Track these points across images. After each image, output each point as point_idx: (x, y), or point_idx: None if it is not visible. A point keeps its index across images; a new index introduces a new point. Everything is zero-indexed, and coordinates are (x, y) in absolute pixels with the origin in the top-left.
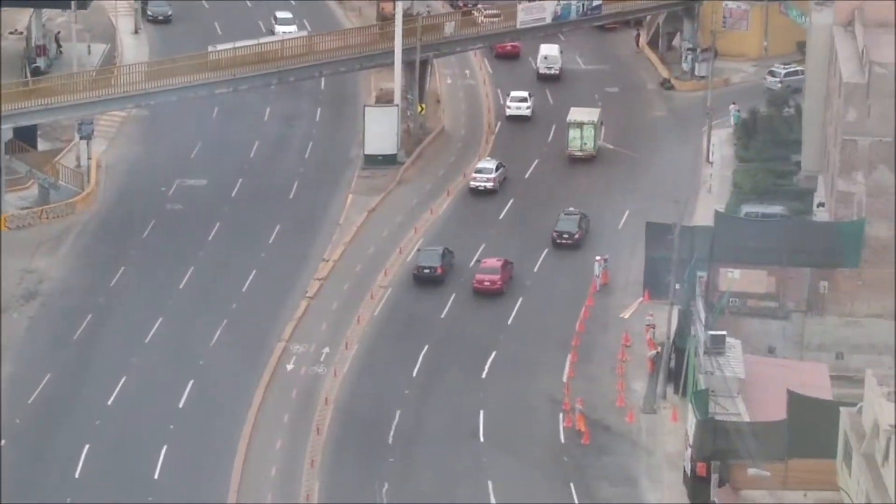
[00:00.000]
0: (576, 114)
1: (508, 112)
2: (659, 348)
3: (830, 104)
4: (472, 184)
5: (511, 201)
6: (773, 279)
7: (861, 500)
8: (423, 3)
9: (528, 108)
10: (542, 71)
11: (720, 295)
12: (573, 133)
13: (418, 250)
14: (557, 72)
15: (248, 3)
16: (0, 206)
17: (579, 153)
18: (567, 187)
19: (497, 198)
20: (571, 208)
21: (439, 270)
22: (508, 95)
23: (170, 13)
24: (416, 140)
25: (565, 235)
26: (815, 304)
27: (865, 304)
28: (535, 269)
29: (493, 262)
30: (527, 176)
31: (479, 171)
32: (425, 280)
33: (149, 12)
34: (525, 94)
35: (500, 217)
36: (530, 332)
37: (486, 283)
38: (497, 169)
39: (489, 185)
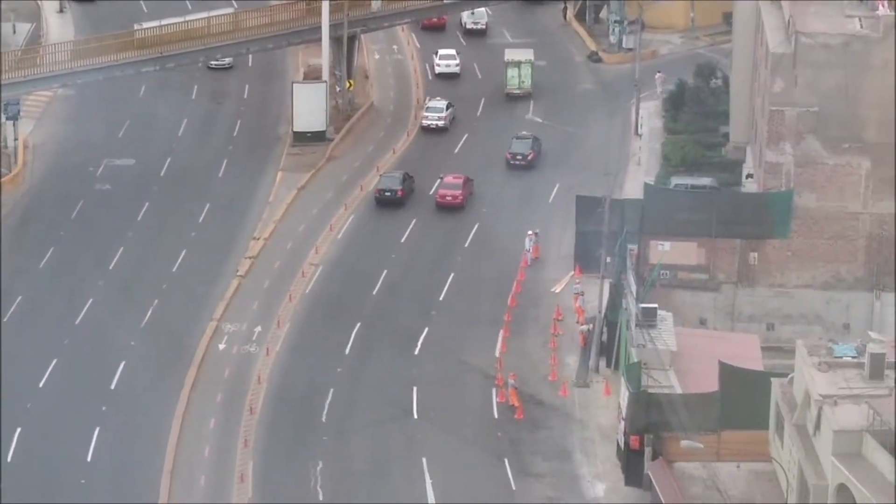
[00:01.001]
0: (512, 54)
1: (438, 70)
2: (590, 325)
3: (757, 75)
4: (424, 122)
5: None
6: (704, 251)
7: (793, 471)
8: None
9: (456, 65)
10: (468, 26)
11: (651, 267)
12: (511, 72)
13: (380, 175)
14: (484, 26)
15: None
16: None
17: (517, 91)
18: (496, 160)
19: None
20: (524, 132)
21: (400, 193)
22: (436, 54)
23: None
24: (344, 116)
25: (518, 157)
26: (746, 275)
27: (795, 275)
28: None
29: (455, 178)
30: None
31: (430, 109)
32: (386, 202)
33: None
34: (453, 51)
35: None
36: (461, 306)
37: (448, 198)
38: (447, 108)
39: (440, 122)
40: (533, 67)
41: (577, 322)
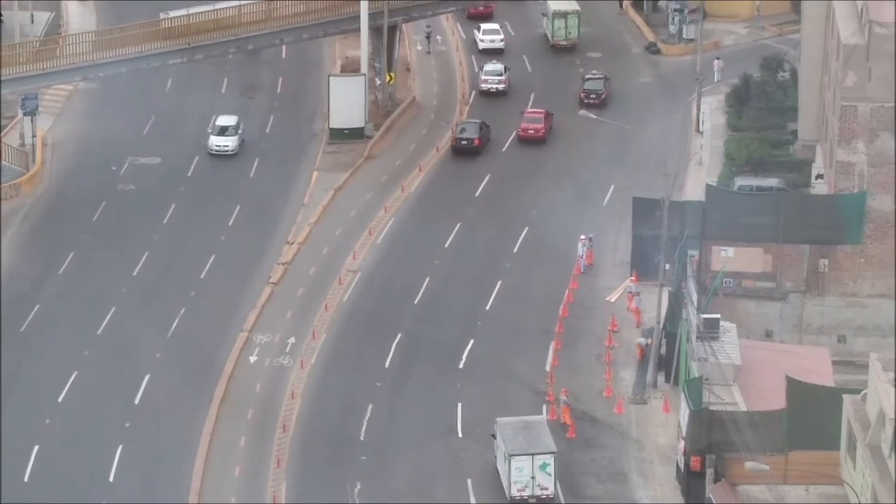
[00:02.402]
0: (556, 5)
1: (481, 45)
2: (649, 339)
3: (828, 68)
4: (483, 86)
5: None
6: (770, 257)
7: (866, 495)
8: None
9: (501, 40)
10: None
11: (713, 275)
12: (558, 23)
13: (457, 124)
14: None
15: None
16: None
17: (564, 42)
18: (547, 160)
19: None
20: (595, 71)
21: (476, 142)
22: (479, 29)
23: None
24: (384, 112)
25: (592, 95)
26: (815, 283)
27: (868, 284)
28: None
29: (536, 112)
30: (503, 149)
31: (488, 73)
32: (464, 151)
33: None
34: (496, 25)
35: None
36: (509, 316)
37: (530, 132)
38: (505, 70)
39: (500, 86)
40: (580, 18)
41: (635, 325)
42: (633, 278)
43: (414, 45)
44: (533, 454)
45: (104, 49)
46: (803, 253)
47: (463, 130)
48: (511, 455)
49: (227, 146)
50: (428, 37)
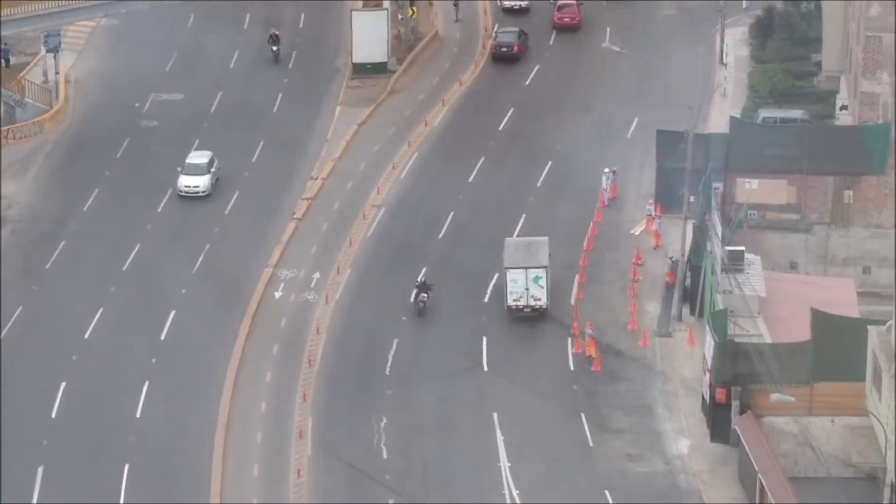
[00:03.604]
0: None
1: (505, 4)
2: (673, 257)
3: None
4: (507, 4)
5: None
6: (794, 189)
7: (892, 425)
8: None
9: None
10: None
11: (737, 207)
12: None
13: (495, 32)
14: None
15: None
16: None
17: None
18: (569, 92)
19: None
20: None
21: (516, 48)
22: None
23: None
24: (407, 46)
25: (504, 48)
26: (840, 214)
27: (893, 214)
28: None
29: (570, 1)
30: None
31: None
32: (503, 58)
33: None
34: None
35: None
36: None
37: (566, 20)
38: None
39: (524, 3)
40: None
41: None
42: (656, 211)
43: None
44: (527, 268)
45: None
46: (828, 184)
47: (501, 37)
48: (507, 268)
49: (197, 187)
50: (455, 4)
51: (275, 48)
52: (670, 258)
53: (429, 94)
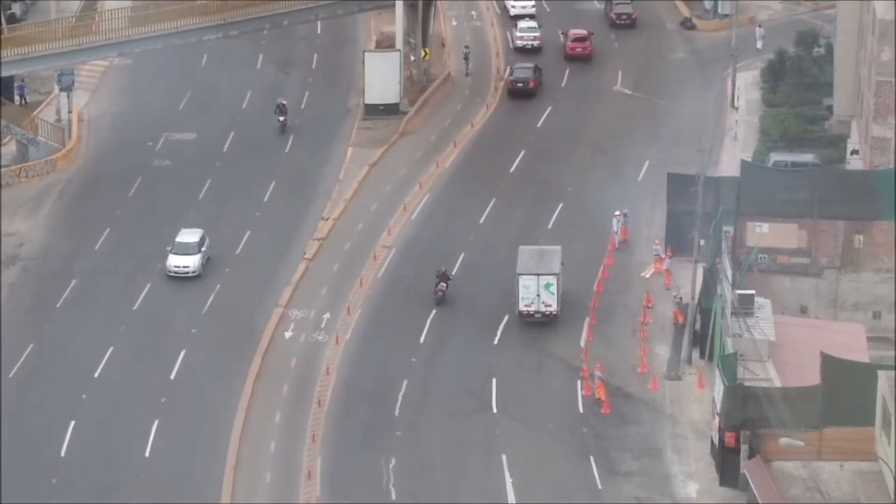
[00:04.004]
0: None
1: (517, 44)
2: (679, 294)
3: (864, 43)
4: (519, 43)
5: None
6: (805, 233)
7: None
8: None
9: (535, 38)
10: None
11: (748, 251)
12: None
13: (511, 68)
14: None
15: None
16: None
17: None
18: (580, 134)
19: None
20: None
21: (532, 84)
22: (516, 26)
23: None
24: (419, 88)
25: (623, 17)
26: (850, 259)
27: None
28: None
29: (580, 31)
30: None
31: (524, 29)
32: (519, 93)
33: None
34: (534, 23)
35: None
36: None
37: (578, 50)
38: (540, 27)
39: (535, 42)
40: None
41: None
42: (666, 254)
43: (449, 20)
44: (539, 274)
45: (140, 25)
46: (838, 229)
47: (518, 73)
48: (519, 274)
49: (187, 268)
50: (466, 58)
51: (281, 118)
52: (675, 297)
53: (440, 135)
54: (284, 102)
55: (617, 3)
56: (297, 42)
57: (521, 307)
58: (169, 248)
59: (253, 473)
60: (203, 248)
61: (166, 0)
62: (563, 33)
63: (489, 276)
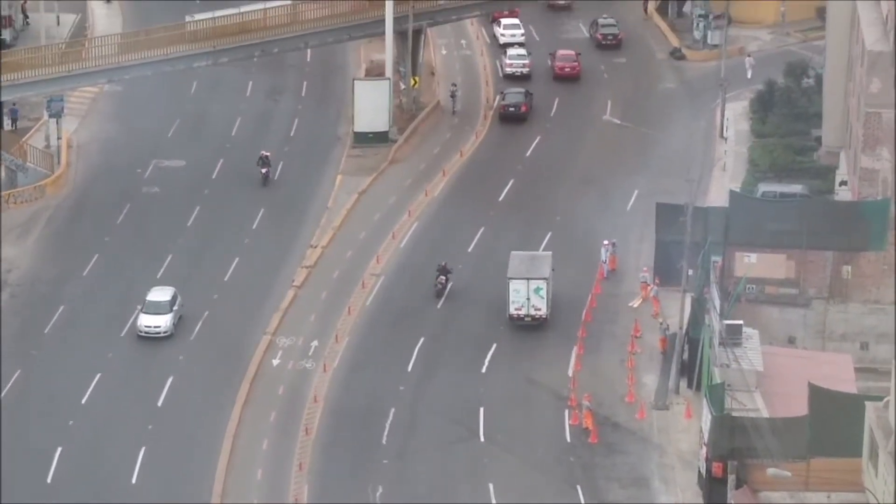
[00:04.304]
0: None
1: (507, 70)
2: (666, 323)
3: (853, 74)
4: (508, 70)
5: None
6: (793, 264)
7: (888, 502)
8: None
9: (525, 65)
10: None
11: (736, 281)
12: None
13: (502, 93)
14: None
15: None
16: None
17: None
18: (569, 163)
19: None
20: (605, 15)
21: (523, 108)
22: (505, 53)
23: None
24: (409, 116)
25: (609, 37)
26: (838, 290)
27: (892, 290)
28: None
29: (568, 52)
30: (528, 154)
31: (513, 56)
32: (511, 118)
33: None
34: (523, 50)
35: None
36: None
37: (566, 70)
38: (529, 55)
39: (525, 70)
40: None
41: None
42: (644, 269)
43: (438, 49)
44: (528, 279)
45: (130, 51)
46: (826, 259)
47: (509, 98)
48: (510, 278)
49: (158, 328)
50: (453, 95)
51: (264, 171)
52: (662, 324)
53: (430, 163)
54: (268, 154)
55: (603, 26)
56: (286, 70)
57: (512, 311)
58: (139, 307)
59: (240, 501)
60: (175, 307)
61: (156, 27)
62: (550, 54)
63: (477, 304)
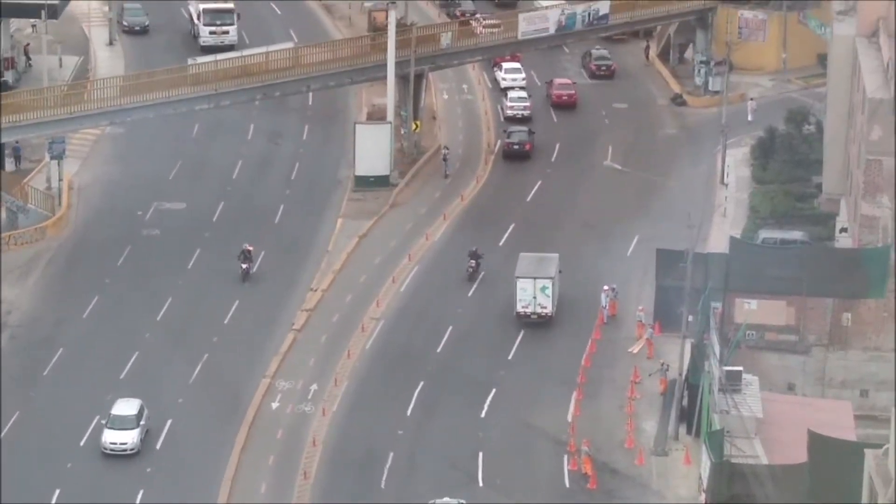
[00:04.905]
0: None
1: (508, 112)
2: (665, 365)
3: (854, 121)
4: (509, 112)
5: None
6: (793, 310)
7: None
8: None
9: (525, 108)
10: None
11: (736, 327)
12: None
13: (504, 131)
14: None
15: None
16: None
17: None
18: (570, 208)
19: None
20: (597, 46)
21: (528, 146)
22: (506, 96)
23: (147, 23)
24: (410, 160)
25: (603, 67)
26: (838, 337)
27: (891, 338)
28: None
29: (564, 81)
30: (529, 198)
31: (514, 99)
32: (515, 155)
33: (124, 22)
34: (524, 93)
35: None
36: (532, 365)
37: (564, 98)
38: (529, 97)
39: (526, 112)
40: None
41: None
42: (655, 330)
43: (440, 93)
44: (535, 278)
45: (132, 94)
46: (826, 306)
47: (514, 136)
48: (517, 277)
49: (124, 444)
50: (445, 158)
51: (244, 266)
52: (662, 365)
53: (430, 207)
54: (250, 249)
55: (596, 57)
56: (288, 113)
57: (519, 308)
58: (104, 422)
59: None
60: (142, 422)
61: (158, 69)
62: (547, 83)
63: (477, 348)
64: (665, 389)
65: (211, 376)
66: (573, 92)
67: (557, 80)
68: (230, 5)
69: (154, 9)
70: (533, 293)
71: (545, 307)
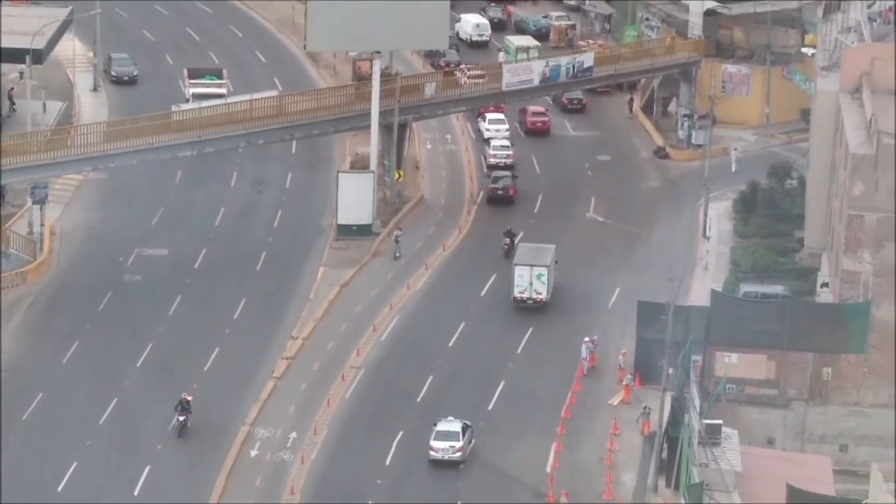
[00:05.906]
0: (517, 40)
1: (491, 160)
2: (649, 409)
3: (836, 176)
4: (492, 160)
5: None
6: (773, 364)
7: None
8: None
9: (508, 156)
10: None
11: (716, 380)
12: (520, 58)
13: (487, 176)
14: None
15: (216, 59)
16: None
17: None
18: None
19: None
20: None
21: (511, 191)
22: (489, 144)
23: (136, 73)
24: (393, 209)
25: (574, 101)
26: (818, 392)
27: (871, 393)
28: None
29: (538, 108)
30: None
31: (497, 147)
32: (499, 200)
33: (112, 72)
34: (507, 142)
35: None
36: (511, 416)
37: (538, 124)
38: (512, 146)
39: (509, 160)
40: (540, 52)
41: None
42: (635, 383)
43: (424, 143)
44: (532, 265)
45: (115, 140)
46: (807, 361)
47: (498, 181)
48: (515, 265)
49: None
50: (396, 240)
51: (181, 418)
52: (644, 408)
53: (412, 257)
54: (189, 399)
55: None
56: (271, 161)
57: (516, 293)
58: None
59: None
60: None
61: (142, 115)
62: (521, 111)
63: (457, 399)
64: (648, 432)
65: (190, 423)
66: (547, 119)
67: (531, 108)
68: (221, 90)
69: (141, 57)
70: (529, 279)
71: (540, 293)
